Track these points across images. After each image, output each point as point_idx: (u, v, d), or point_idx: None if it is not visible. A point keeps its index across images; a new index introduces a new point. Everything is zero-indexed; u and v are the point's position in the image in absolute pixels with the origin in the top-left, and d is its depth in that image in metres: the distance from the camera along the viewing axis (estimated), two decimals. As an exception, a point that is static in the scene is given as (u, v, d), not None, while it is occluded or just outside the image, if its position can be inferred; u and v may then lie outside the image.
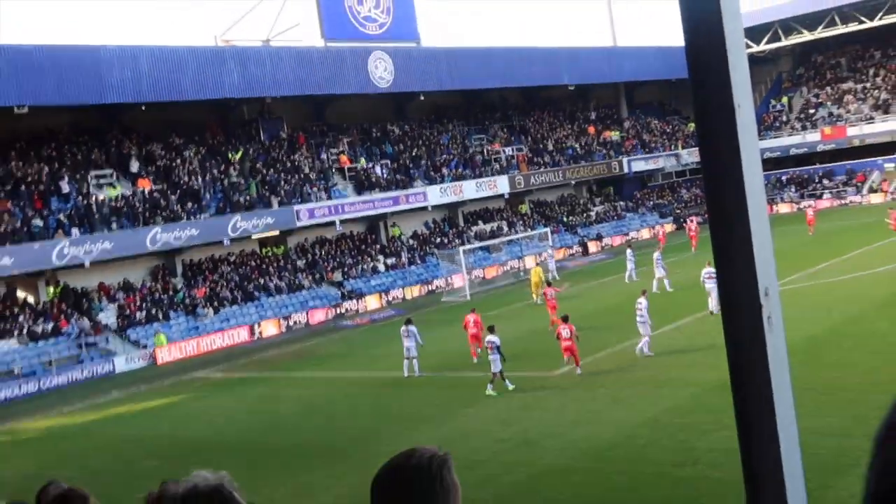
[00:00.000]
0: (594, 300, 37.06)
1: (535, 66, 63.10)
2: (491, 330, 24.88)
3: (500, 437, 19.77)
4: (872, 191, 65.23)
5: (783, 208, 66.18)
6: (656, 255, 39.28)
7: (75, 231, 42.07)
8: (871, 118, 69.74)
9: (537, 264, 46.10)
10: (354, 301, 47.94)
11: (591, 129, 71.36)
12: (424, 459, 2.46)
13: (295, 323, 45.32)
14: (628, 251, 44.00)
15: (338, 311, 47.00)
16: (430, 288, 50.81)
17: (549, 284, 36.96)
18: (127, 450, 23.83)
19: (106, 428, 27.51)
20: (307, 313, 46.09)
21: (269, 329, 44.28)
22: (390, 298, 49.22)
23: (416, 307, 44.17)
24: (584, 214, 64.83)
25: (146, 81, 44.26)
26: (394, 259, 53.03)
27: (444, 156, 60.52)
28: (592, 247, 59.91)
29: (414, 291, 50.27)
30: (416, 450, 2.52)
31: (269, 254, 50.63)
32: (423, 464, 2.45)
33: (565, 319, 25.78)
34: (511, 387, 24.00)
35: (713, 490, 14.56)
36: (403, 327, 28.25)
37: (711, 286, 28.93)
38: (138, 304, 43.36)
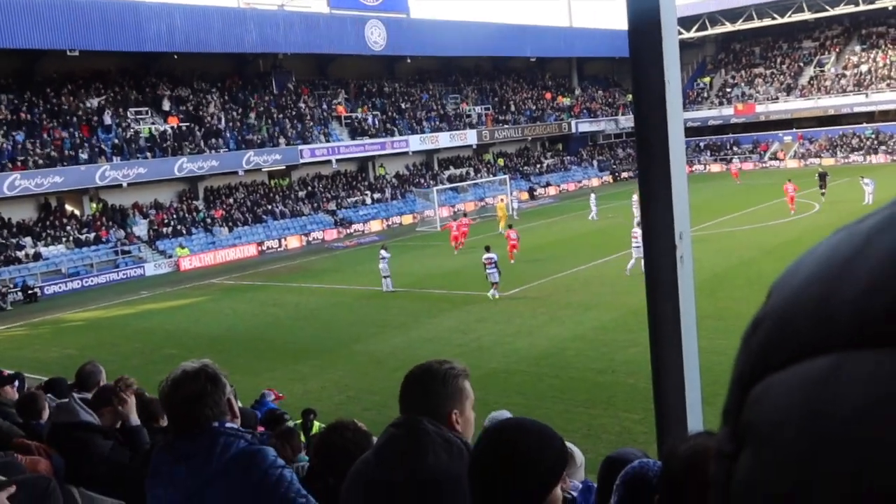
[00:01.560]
0: (541, 236, 37.03)
1: (504, 40, 62.26)
2: (487, 249, 24.81)
3: (458, 343, 19.89)
4: (773, 158, 65.58)
5: (714, 168, 66.20)
6: (635, 196, 37.60)
7: (116, 158, 41.54)
8: (776, 98, 69.83)
9: (501, 200, 45.40)
10: (358, 225, 48.08)
11: (547, 95, 70.73)
12: (451, 366, 2.66)
13: (314, 239, 45.65)
14: (592, 195, 43.79)
15: (347, 232, 47.21)
16: (410, 219, 50.68)
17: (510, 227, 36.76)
18: (152, 339, 23.80)
19: (136, 321, 27.43)
20: (323, 232, 46.39)
21: (293, 243, 44.71)
22: (390, 223, 49.41)
23: (396, 235, 44.07)
24: (537, 165, 64.64)
25: (179, 34, 43.25)
26: (379, 194, 52.76)
27: (425, 111, 59.94)
28: (552, 191, 60.06)
29: (400, 220, 50.21)
30: (446, 360, 2.70)
31: (276, 184, 50.20)
32: (450, 367, 2.65)
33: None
34: (496, 296, 24.13)
35: (626, 393, 14.83)
36: (380, 251, 28.18)
37: None
38: (166, 220, 42.97)
